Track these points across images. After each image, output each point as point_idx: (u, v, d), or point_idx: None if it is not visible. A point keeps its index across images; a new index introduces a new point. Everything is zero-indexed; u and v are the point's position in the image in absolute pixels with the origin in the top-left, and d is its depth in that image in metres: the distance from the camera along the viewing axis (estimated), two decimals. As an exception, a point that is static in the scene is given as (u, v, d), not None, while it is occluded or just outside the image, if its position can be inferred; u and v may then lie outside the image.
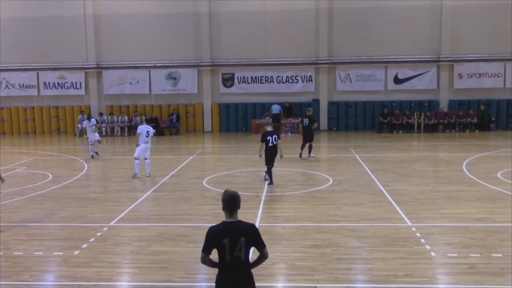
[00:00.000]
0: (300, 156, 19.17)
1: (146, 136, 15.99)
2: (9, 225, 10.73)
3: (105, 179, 16.20)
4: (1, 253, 9.05)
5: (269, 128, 14.69)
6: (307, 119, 19.28)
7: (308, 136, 19.16)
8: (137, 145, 16.06)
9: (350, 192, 13.46)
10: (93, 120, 20.91)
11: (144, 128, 16.05)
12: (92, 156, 20.19)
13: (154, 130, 16.83)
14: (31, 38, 29.73)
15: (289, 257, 8.57)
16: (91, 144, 20.44)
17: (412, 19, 28.08)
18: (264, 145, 14.27)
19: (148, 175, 16.00)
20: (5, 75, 30.38)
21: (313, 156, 19.19)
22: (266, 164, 14.40)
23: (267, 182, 14.43)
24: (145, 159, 16.08)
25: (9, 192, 14.11)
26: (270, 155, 14.26)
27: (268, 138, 14.13)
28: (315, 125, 19.53)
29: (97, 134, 20.68)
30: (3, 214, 11.70)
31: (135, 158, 16.04)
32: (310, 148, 19.22)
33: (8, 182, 15.56)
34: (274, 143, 14.11)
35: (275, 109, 27.84)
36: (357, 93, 28.99)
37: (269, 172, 14.34)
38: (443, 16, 27.88)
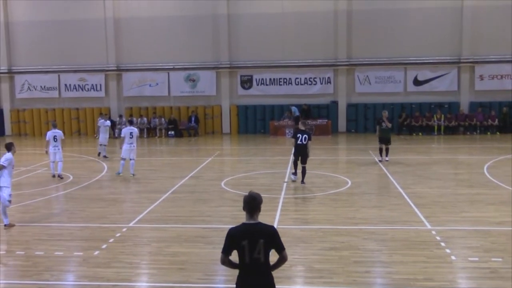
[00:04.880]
0: (379, 160, 18.67)
1: (130, 138, 16.57)
2: (31, 225, 10.90)
3: (124, 180, 16.33)
4: (23, 252, 9.20)
5: (302, 127, 15.24)
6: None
7: (382, 139, 18.83)
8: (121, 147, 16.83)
9: (369, 195, 13.38)
10: (107, 121, 21.54)
11: (127, 130, 16.73)
12: (99, 154, 20.88)
13: (137, 131, 17.39)
14: (52, 41, 30.21)
15: (308, 259, 8.54)
16: (100, 144, 20.95)
17: (432, 20, 27.79)
18: (294, 141, 14.80)
19: (132, 175, 16.49)
20: (27, 77, 30.90)
21: (387, 160, 18.55)
22: (294, 160, 15.10)
23: (293, 178, 15.09)
24: (131, 159, 16.62)
25: (30, 193, 14.34)
26: (297, 153, 14.79)
27: (298, 135, 14.69)
28: (378, 127, 19.17)
29: (106, 137, 20.98)
30: (25, 214, 11.89)
31: (122, 159, 16.72)
32: (386, 151, 18.79)
33: (30, 182, 15.85)
34: (304, 142, 14.54)
35: (296, 111, 27.75)
36: (376, 95, 28.76)
37: (294, 163, 15.05)
38: (463, 16, 27.54)
